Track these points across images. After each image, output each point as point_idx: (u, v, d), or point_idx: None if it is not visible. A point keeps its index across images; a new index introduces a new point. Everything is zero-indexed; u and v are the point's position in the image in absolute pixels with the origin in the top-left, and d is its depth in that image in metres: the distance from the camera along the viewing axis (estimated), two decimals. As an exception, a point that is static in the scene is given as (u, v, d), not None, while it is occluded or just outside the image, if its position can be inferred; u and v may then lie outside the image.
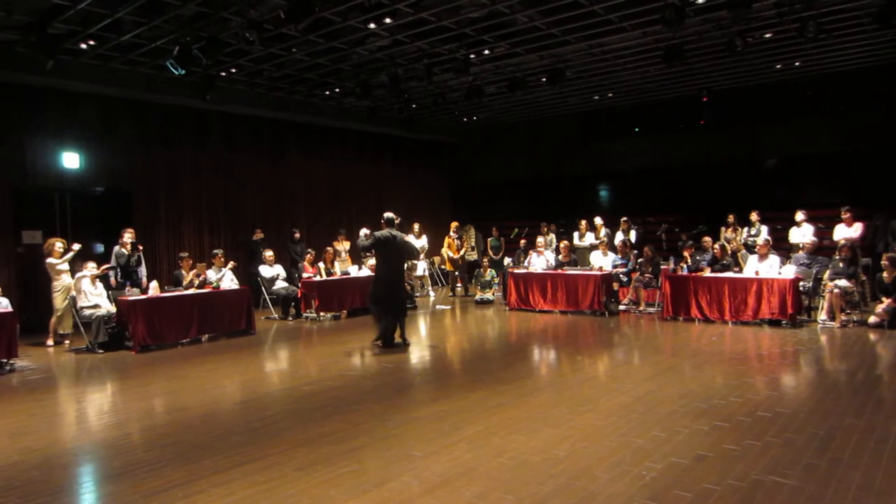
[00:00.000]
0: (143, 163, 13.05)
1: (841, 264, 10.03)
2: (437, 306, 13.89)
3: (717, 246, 11.25)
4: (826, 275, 10.28)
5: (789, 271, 10.28)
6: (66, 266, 9.87)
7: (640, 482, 4.20)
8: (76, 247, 10.05)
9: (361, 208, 17.21)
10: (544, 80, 12.74)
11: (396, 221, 9.18)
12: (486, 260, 15.15)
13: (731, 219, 13.02)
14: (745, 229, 12.67)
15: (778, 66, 13.08)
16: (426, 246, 15.63)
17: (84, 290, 9.64)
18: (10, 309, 8.75)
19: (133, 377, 7.93)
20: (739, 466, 4.41)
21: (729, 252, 11.46)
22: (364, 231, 9.28)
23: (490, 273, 14.58)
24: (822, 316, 10.01)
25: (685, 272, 11.07)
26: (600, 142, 17.62)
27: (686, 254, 11.57)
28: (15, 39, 9.89)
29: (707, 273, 10.77)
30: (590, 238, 14.31)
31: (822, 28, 9.78)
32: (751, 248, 11.93)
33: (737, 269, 10.91)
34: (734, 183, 15.23)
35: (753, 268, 10.48)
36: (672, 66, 11.92)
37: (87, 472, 4.94)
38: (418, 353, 9.02)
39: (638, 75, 13.57)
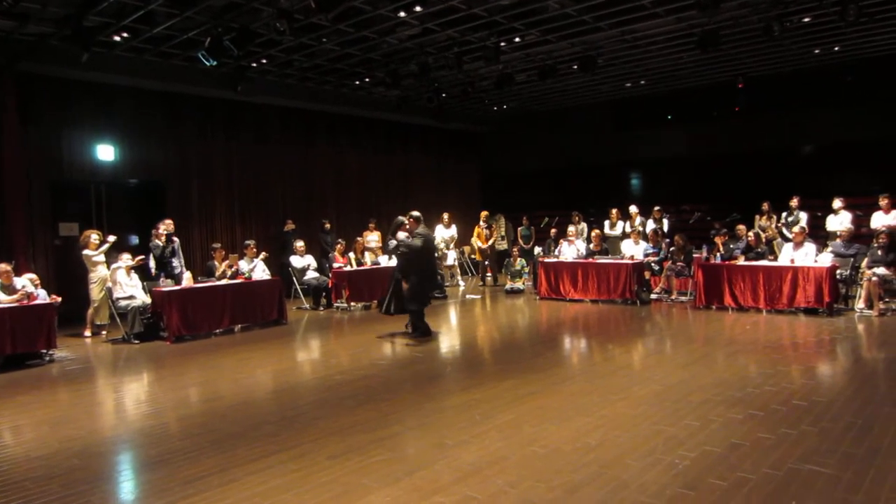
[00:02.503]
0: (176, 154, 13.22)
1: (879, 252, 9.80)
2: (467, 296, 13.89)
3: (751, 234, 11.08)
4: (864, 262, 10.07)
5: (825, 259, 10.08)
6: (101, 258, 10.03)
7: (674, 471, 4.16)
8: (111, 238, 10.20)
9: (391, 198, 17.24)
10: (575, 67, 12.60)
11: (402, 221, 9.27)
12: (515, 249, 15.09)
13: (765, 206, 12.77)
14: (784, 214, 12.40)
15: (816, 52, 12.77)
16: (455, 235, 15.61)
17: (119, 281, 9.79)
18: (48, 300, 8.92)
19: (168, 367, 8.05)
20: (775, 455, 4.34)
21: (763, 240, 11.28)
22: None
23: (520, 262, 14.52)
24: (860, 304, 9.81)
25: (718, 260, 10.92)
26: (632, 130, 17.42)
27: (719, 242, 11.40)
28: (50, 32, 10.05)
29: (741, 261, 10.61)
30: (621, 227, 14.18)
31: (864, 11, 9.52)
32: (785, 237, 11.72)
33: (771, 257, 10.73)
34: (769, 171, 14.95)
35: (788, 256, 10.31)
36: (707, 53, 11.69)
37: (126, 461, 5.03)
38: (449, 343, 9.03)
39: (671, 62, 13.36)
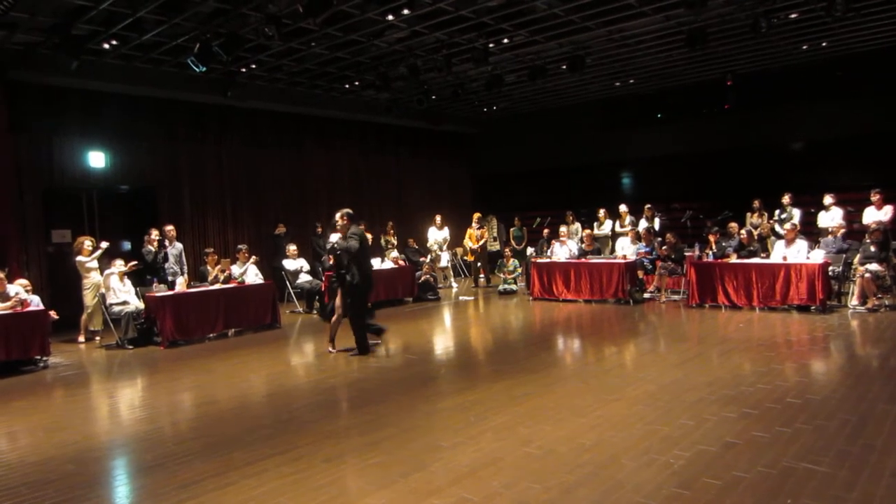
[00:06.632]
0: (167, 160, 13.18)
1: (872, 248, 9.84)
2: (461, 297, 13.89)
3: (743, 232, 11.11)
4: (857, 259, 10.11)
5: (818, 256, 10.12)
6: (95, 264, 10.01)
7: (669, 470, 4.17)
8: (104, 245, 10.18)
9: (383, 201, 17.25)
10: (564, 67, 12.61)
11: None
12: (507, 250, 15.11)
13: (756, 204, 12.82)
14: (777, 212, 12.44)
15: (804, 47, 12.81)
16: (448, 237, 15.62)
17: (113, 287, 9.77)
18: (41, 307, 8.88)
19: (162, 372, 8.04)
20: (769, 454, 4.36)
21: (756, 237, 11.32)
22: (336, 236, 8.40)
23: (513, 263, 14.53)
24: (853, 301, 9.85)
25: (711, 259, 10.95)
26: (622, 129, 17.44)
27: (711, 240, 11.44)
28: (39, 41, 10.01)
29: (733, 259, 10.64)
30: (609, 226, 14.22)
31: (850, 6, 9.56)
32: (778, 234, 11.76)
33: (764, 254, 10.77)
34: (760, 168, 14.99)
35: (780, 253, 10.34)
36: (695, 51, 11.73)
37: (121, 466, 5.03)
38: (442, 344, 9.05)
39: (660, 60, 13.39)
